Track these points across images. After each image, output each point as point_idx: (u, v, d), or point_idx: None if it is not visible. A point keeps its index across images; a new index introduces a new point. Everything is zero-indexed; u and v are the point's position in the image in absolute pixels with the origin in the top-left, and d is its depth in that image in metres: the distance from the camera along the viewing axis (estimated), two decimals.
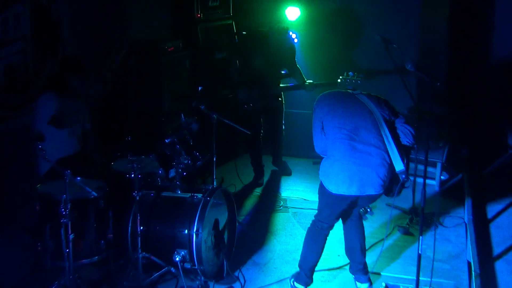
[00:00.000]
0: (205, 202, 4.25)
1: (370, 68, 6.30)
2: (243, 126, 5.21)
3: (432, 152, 5.42)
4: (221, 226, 4.49)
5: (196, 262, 4.19)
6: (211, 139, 4.89)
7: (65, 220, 3.82)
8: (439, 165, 6.10)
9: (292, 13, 6.54)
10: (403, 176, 3.96)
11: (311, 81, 5.97)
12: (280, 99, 6.20)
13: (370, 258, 4.56)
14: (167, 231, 4.26)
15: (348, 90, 4.21)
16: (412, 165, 5.43)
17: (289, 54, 6.04)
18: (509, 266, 4.57)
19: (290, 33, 6.11)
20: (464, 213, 5.50)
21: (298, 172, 6.61)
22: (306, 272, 4.30)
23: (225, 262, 4.39)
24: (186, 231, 4.19)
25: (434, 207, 5.32)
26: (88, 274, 4.25)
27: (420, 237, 3.99)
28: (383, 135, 3.97)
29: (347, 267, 4.55)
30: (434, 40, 6.46)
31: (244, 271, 4.58)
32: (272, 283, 4.48)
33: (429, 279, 4.25)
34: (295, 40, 6.43)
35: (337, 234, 4.51)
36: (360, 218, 4.32)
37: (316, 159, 4.85)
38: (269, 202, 5.91)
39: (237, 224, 4.77)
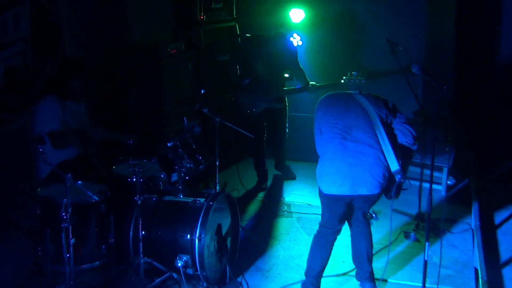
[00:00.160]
0: (208, 207, 4.22)
1: (376, 71, 6.25)
2: (246, 130, 5.16)
3: (438, 156, 5.38)
4: (224, 231, 4.44)
5: (198, 268, 4.15)
6: (214, 143, 4.84)
7: (65, 224, 3.79)
8: (445, 170, 6.05)
9: (297, 15, 6.52)
10: (399, 176, 3.90)
11: (314, 82, 5.93)
12: (283, 102, 6.15)
13: (377, 264, 4.50)
14: (169, 236, 4.22)
15: (348, 91, 4.19)
16: (418, 169, 5.42)
17: (289, 58, 5.99)
18: None
19: (294, 34, 6.07)
20: (471, 219, 5.44)
21: (302, 176, 6.55)
22: (311, 280, 4.23)
23: (227, 268, 4.35)
24: (188, 236, 4.15)
25: (440, 213, 5.26)
26: (89, 279, 4.20)
27: (426, 243, 3.95)
28: (378, 135, 3.93)
29: (353, 273, 4.49)
30: (441, 43, 6.41)
31: (247, 277, 4.53)
32: None
33: (435, 286, 4.21)
34: (300, 43, 6.40)
35: (342, 240, 4.44)
36: (368, 225, 4.24)
37: None
38: (273, 207, 5.87)
39: (240, 229, 4.72)
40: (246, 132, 5.12)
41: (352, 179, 3.90)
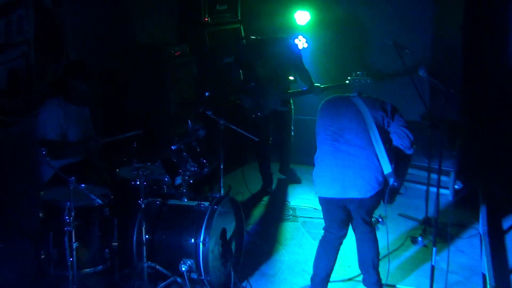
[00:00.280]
0: (212, 211, 4.19)
1: (382, 74, 6.21)
2: (251, 133, 5.12)
3: (445, 160, 5.33)
4: (228, 235, 4.41)
5: (202, 272, 4.12)
6: (219, 146, 4.82)
7: (69, 228, 3.78)
8: (452, 174, 5.99)
9: (302, 17, 6.49)
10: (392, 179, 3.85)
11: (318, 84, 5.89)
12: (289, 105, 6.11)
13: (383, 270, 4.44)
14: (173, 240, 4.19)
15: (347, 94, 4.16)
16: (425, 174, 5.37)
17: (293, 61, 5.95)
18: None
19: (300, 37, 6.04)
20: (478, 224, 5.39)
21: (307, 180, 6.49)
22: (317, 285, 4.19)
23: (232, 273, 4.31)
24: (192, 240, 4.12)
25: (447, 218, 5.21)
26: (92, 283, 4.18)
27: (434, 248, 3.91)
28: (372, 137, 3.89)
29: (359, 278, 4.44)
30: (448, 45, 6.36)
31: (252, 282, 4.48)
32: None
33: None
34: (305, 45, 6.37)
35: (349, 244, 4.39)
36: (372, 231, 4.16)
37: None
38: (278, 211, 5.83)
39: (244, 233, 4.69)
40: (250, 135, 5.08)
41: (343, 182, 3.87)
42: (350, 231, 4.21)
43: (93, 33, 5.32)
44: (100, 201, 3.99)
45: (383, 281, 4.31)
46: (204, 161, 4.68)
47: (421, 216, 5.43)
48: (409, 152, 3.99)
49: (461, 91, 6.24)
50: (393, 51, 5.01)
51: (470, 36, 6.33)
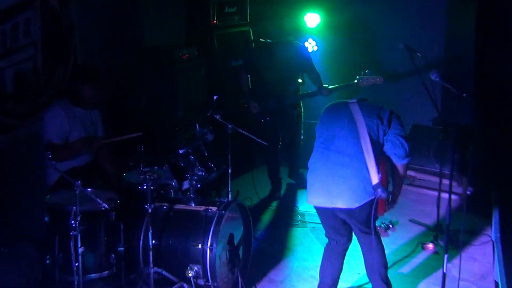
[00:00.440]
0: (220, 216, 4.14)
1: (393, 76, 6.14)
2: (260, 137, 5.07)
3: (457, 166, 5.25)
4: (236, 241, 4.36)
5: (209, 278, 4.07)
6: (227, 150, 4.77)
7: (74, 233, 3.73)
8: (465, 180, 5.91)
9: (312, 20, 6.45)
10: (378, 190, 3.71)
11: (326, 85, 5.83)
12: (298, 107, 6.05)
13: (394, 277, 4.38)
14: (180, 245, 4.15)
15: (346, 100, 4.09)
16: (436, 179, 5.28)
17: (302, 64, 5.89)
18: None
19: (310, 39, 5.99)
20: (491, 231, 5.28)
21: None
22: None
23: (240, 279, 4.25)
24: (200, 246, 4.07)
25: (459, 224, 5.12)
26: None
27: (445, 255, 3.84)
28: (363, 146, 3.78)
29: (368, 286, 4.35)
30: (460, 48, 6.28)
31: None
32: None
33: None
34: (315, 48, 6.32)
35: (358, 251, 4.32)
36: (374, 240, 3.97)
37: None
38: (286, 217, 5.77)
39: (252, 239, 4.64)
40: (259, 140, 5.03)
41: (329, 191, 3.80)
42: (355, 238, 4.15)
43: (101, 36, 5.31)
44: (106, 206, 3.96)
45: None
46: (212, 165, 4.64)
47: (432, 222, 5.35)
48: (403, 162, 3.89)
49: (474, 95, 6.16)
50: (404, 53, 4.95)
51: (483, 39, 6.24)
